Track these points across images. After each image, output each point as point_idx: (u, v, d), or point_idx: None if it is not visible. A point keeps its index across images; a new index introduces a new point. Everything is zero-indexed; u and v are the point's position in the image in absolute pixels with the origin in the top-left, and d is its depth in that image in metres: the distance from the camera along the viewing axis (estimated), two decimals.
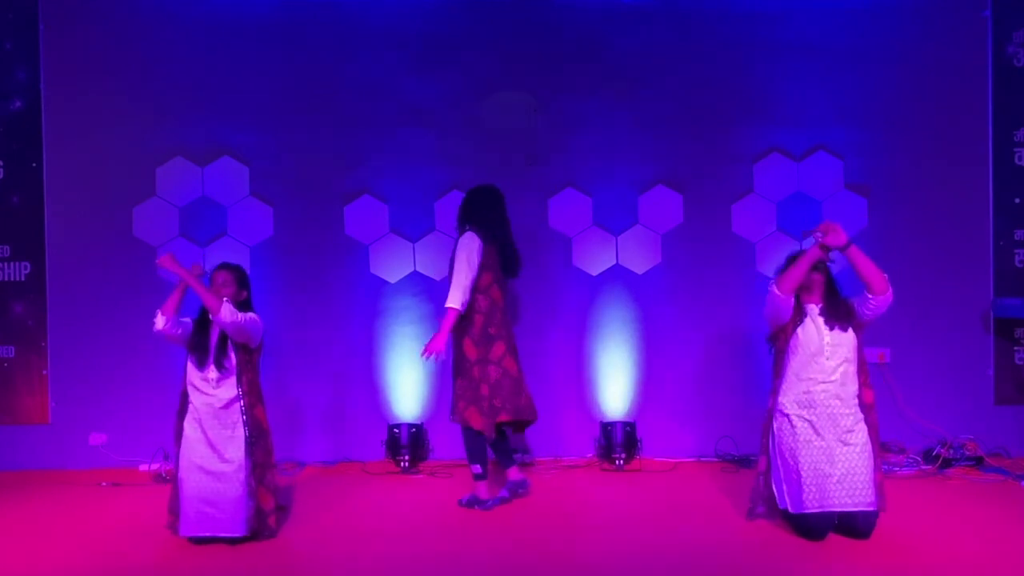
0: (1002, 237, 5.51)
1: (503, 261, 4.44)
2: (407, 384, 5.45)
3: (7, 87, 5.34)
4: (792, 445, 3.81)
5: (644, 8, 5.48)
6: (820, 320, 3.85)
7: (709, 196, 5.50)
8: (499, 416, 4.31)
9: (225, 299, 3.84)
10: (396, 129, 5.46)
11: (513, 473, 4.53)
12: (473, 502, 4.39)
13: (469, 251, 4.30)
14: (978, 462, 5.10)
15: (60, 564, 3.62)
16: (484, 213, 4.42)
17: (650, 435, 5.36)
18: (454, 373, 4.42)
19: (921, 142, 5.49)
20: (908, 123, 5.49)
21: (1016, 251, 5.51)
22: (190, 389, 3.88)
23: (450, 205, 5.45)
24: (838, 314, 3.84)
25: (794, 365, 3.84)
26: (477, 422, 4.30)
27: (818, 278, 3.85)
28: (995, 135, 5.50)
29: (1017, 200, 5.51)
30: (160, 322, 3.83)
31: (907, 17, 5.49)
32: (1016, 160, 5.51)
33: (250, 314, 3.88)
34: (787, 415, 3.84)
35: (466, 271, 4.27)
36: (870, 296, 3.77)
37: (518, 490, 4.50)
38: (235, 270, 4.01)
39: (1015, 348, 5.51)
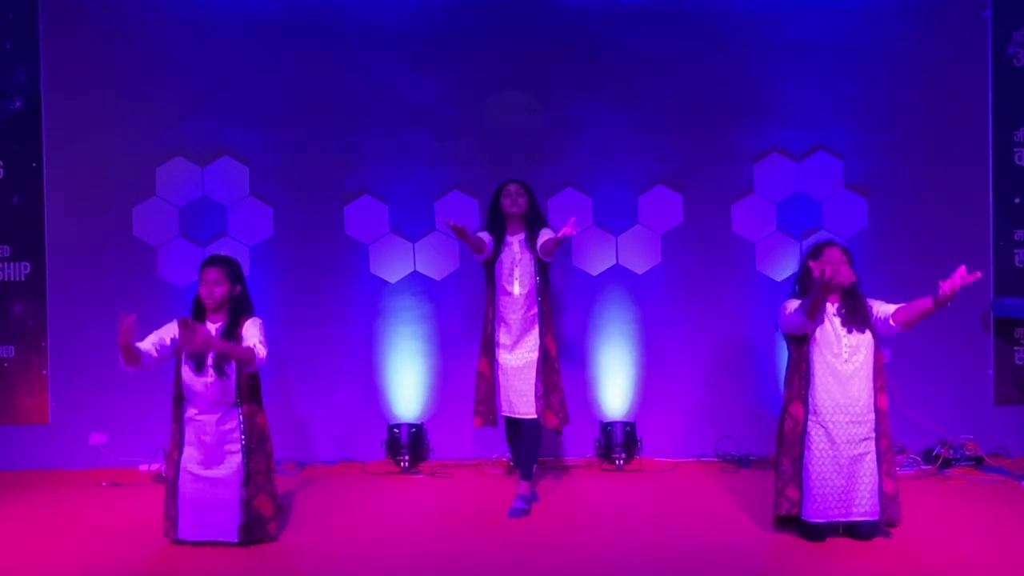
0: (1002, 237, 5.50)
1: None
2: (407, 384, 5.45)
3: (7, 87, 5.33)
4: (805, 451, 3.73)
5: (644, 8, 5.48)
6: (837, 321, 3.73)
7: (709, 196, 5.49)
8: (475, 421, 4.50)
9: (255, 343, 3.67)
10: (396, 129, 5.46)
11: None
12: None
13: None
14: (978, 462, 5.10)
15: (60, 564, 3.61)
16: None
17: (650, 435, 5.36)
18: None
19: (921, 142, 5.49)
20: (908, 123, 5.49)
21: (1016, 251, 5.51)
22: (186, 393, 3.77)
23: (450, 205, 5.46)
24: (855, 316, 3.72)
25: (814, 367, 3.73)
26: None
27: (846, 272, 3.71)
28: (995, 135, 5.50)
29: (1017, 200, 5.51)
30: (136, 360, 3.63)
31: (907, 17, 5.49)
32: (1016, 160, 5.51)
33: (261, 344, 3.72)
34: (808, 418, 3.74)
35: None
36: (893, 323, 3.67)
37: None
38: (226, 264, 3.84)
39: (1015, 348, 5.51)
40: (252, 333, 3.77)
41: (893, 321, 3.67)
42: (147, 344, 3.72)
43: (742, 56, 5.47)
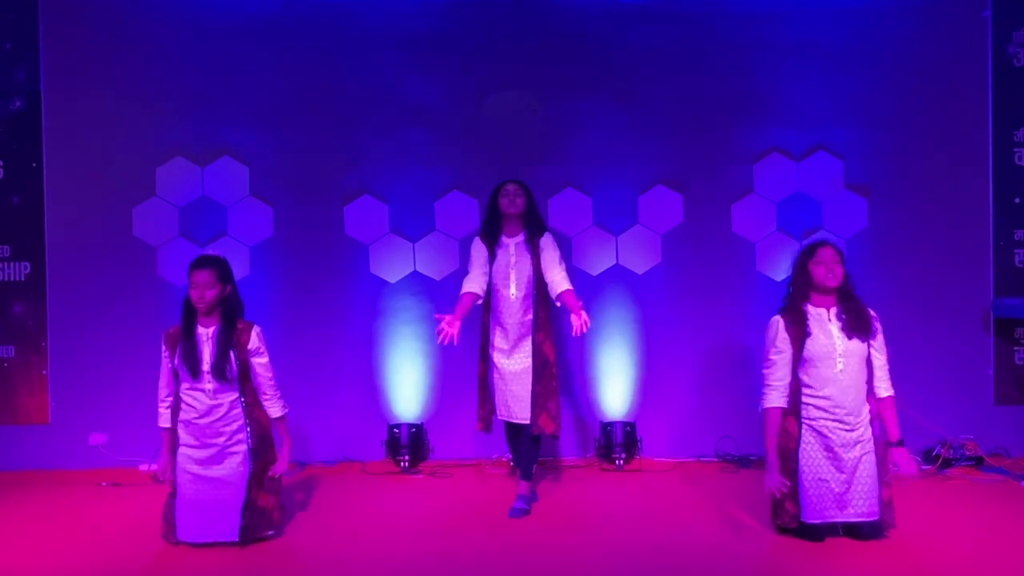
0: (1002, 237, 5.50)
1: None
2: (407, 384, 5.44)
3: (7, 87, 5.33)
4: (800, 465, 3.73)
5: (644, 8, 5.48)
6: (836, 326, 3.71)
7: (709, 196, 5.49)
8: (477, 425, 4.51)
9: (280, 414, 3.89)
10: (396, 129, 5.46)
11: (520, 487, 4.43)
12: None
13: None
14: (978, 462, 5.10)
15: (59, 564, 3.61)
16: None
17: (650, 435, 5.36)
18: None
19: (921, 142, 5.48)
20: (908, 123, 5.48)
21: (1016, 251, 5.51)
22: (184, 398, 3.73)
23: (450, 205, 5.46)
24: (858, 323, 3.69)
25: (804, 375, 3.73)
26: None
27: (839, 271, 3.70)
28: (995, 135, 5.49)
29: (1017, 200, 5.51)
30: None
31: (907, 17, 5.48)
32: (1016, 160, 5.51)
33: (266, 362, 3.84)
34: (802, 433, 3.74)
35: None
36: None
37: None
38: (216, 265, 3.71)
39: (1015, 348, 5.50)
40: (271, 397, 3.90)
41: (871, 399, 3.77)
42: (165, 400, 3.81)
43: (742, 56, 5.47)
